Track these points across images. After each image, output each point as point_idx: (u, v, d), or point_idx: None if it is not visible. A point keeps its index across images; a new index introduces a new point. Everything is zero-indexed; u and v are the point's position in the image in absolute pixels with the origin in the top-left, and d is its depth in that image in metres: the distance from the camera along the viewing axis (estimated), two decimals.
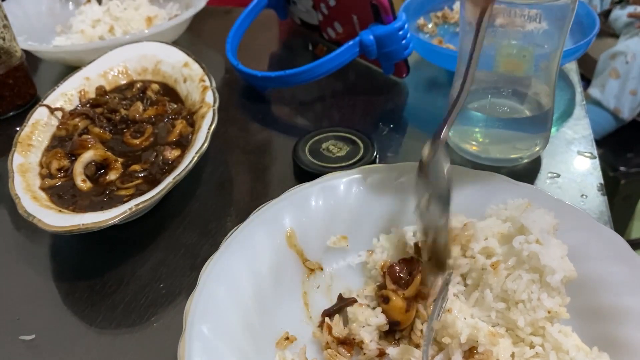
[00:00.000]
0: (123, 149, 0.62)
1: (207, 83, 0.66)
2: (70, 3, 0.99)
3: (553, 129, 0.68)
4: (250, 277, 0.45)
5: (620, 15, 1.83)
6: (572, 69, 0.80)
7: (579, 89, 0.77)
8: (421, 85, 0.80)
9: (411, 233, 0.50)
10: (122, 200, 0.54)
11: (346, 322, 0.45)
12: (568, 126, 0.69)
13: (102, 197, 0.55)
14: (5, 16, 0.75)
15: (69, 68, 0.79)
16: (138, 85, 0.71)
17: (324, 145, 0.64)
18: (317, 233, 0.51)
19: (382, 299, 0.44)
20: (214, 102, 0.62)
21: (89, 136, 0.61)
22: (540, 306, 0.40)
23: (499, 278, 0.42)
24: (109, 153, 0.59)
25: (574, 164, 0.63)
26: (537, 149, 0.62)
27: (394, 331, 0.44)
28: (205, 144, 0.57)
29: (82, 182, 0.56)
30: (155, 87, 0.71)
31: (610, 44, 1.80)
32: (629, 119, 1.73)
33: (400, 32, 0.72)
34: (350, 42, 0.72)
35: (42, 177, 0.58)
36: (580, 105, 0.73)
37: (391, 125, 0.72)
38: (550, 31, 0.54)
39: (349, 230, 0.52)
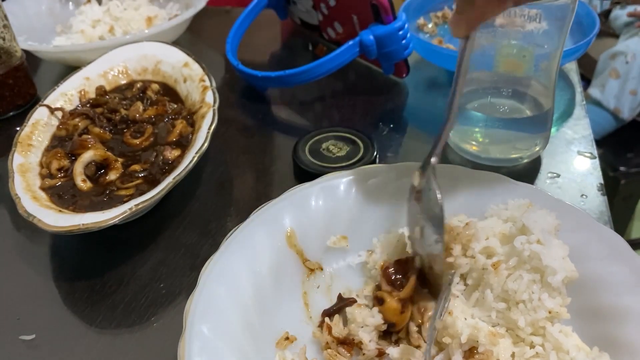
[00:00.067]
0: (123, 149, 0.62)
1: (207, 83, 0.66)
2: (70, 3, 0.99)
3: (553, 129, 0.68)
4: (250, 277, 0.45)
5: (620, 15, 1.83)
6: (572, 69, 0.80)
7: (579, 89, 0.77)
8: (421, 85, 0.80)
9: None
10: (122, 200, 0.54)
11: (346, 322, 0.45)
12: (568, 126, 0.69)
13: (102, 197, 0.55)
14: (5, 16, 0.75)
15: (69, 68, 0.79)
16: (138, 85, 0.71)
17: (324, 145, 0.64)
18: (317, 233, 0.50)
19: (377, 301, 0.44)
20: (214, 102, 0.62)
21: (89, 136, 0.61)
22: (541, 306, 0.40)
23: (500, 278, 0.42)
24: (109, 153, 0.59)
25: (574, 164, 0.63)
26: (537, 149, 0.62)
27: (391, 332, 0.44)
28: (205, 144, 0.57)
29: (82, 182, 0.56)
30: (155, 87, 0.71)
31: (610, 44, 1.80)
32: (629, 119, 1.73)
33: (400, 32, 0.72)
34: (350, 42, 0.72)
35: (42, 177, 0.58)
36: (580, 105, 0.73)
37: (391, 125, 0.72)
38: (550, 31, 0.54)
39: (349, 230, 0.52)
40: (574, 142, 0.66)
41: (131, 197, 0.54)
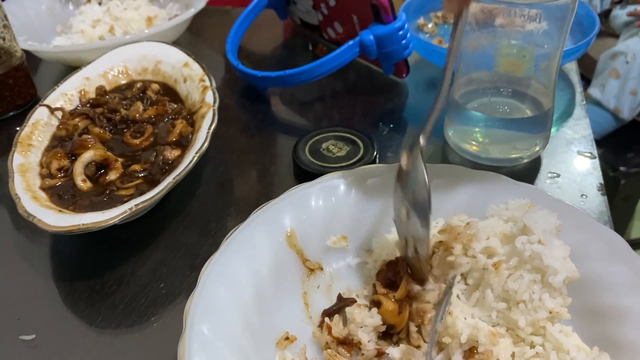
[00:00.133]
0: (123, 149, 0.62)
1: (207, 83, 0.66)
2: (70, 3, 0.99)
3: (553, 129, 0.68)
4: (250, 277, 0.45)
5: (620, 14, 1.82)
6: (572, 69, 0.80)
7: (579, 89, 0.77)
8: (421, 85, 0.80)
9: None
10: (122, 200, 0.54)
11: (346, 322, 0.46)
12: (568, 126, 0.69)
13: (102, 197, 0.55)
14: (5, 16, 0.75)
15: (69, 68, 0.79)
16: (138, 85, 0.71)
17: (324, 145, 0.64)
18: (317, 233, 0.50)
19: (374, 304, 0.44)
20: (214, 102, 0.62)
21: (89, 136, 0.61)
22: (541, 306, 0.40)
23: (500, 278, 0.42)
24: (109, 153, 0.59)
25: (574, 164, 0.63)
26: (537, 149, 0.62)
27: (391, 333, 0.44)
28: (205, 144, 0.57)
29: (82, 182, 0.56)
30: (155, 87, 0.71)
31: (610, 44, 1.80)
32: (629, 119, 1.73)
33: (400, 32, 0.72)
34: (350, 42, 0.72)
35: (42, 177, 0.58)
36: (580, 105, 0.73)
37: (391, 125, 0.72)
38: (550, 31, 0.54)
39: (349, 230, 0.52)
40: (574, 142, 0.66)
41: (131, 197, 0.54)
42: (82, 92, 0.69)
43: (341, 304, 0.47)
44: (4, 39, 0.74)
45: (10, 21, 0.76)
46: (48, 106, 0.65)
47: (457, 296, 0.43)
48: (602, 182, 0.60)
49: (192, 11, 0.87)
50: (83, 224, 0.48)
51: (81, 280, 0.53)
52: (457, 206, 0.50)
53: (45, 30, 0.94)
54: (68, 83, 0.69)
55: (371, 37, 0.72)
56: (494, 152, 0.61)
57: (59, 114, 0.66)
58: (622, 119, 1.72)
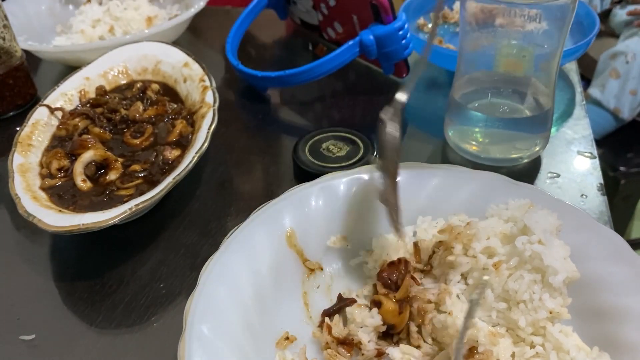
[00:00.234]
0: (123, 149, 0.62)
1: (207, 83, 0.66)
2: (70, 3, 0.99)
3: (553, 129, 0.68)
4: (250, 277, 0.45)
5: (620, 14, 1.82)
6: (572, 69, 0.80)
7: (579, 89, 0.77)
8: (421, 85, 0.80)
9: (411, 233, 0.50)
10: (122, 200, 0.54)
11: (346, 322, 0.46)
12: (568, 126, 0.69)
13: (102, 197, 0.55)
14: (5, 16, 0.75)
15: (69, 68, 0.79)
16: (138, 85, 0.71)
17: (324, 145, 0.64)
18: (317, 233, 0.50)
19: (375, 304, 0.44)
20: (214, 102, 0.62)
21: (89, 136, 0.61)
22: (541, 306, 0.40)
23: (501, 278, 0.42)
24: (109, 153, 0.59)
25: (574, 164, 0.63)
26: (537, 149, 0.62)
27: (392, 334, 0.44)
28: (205, 144, 0.57)
29: (82, 182, 0.56)
30: (155, 87, 0.71)
31: (610, 44, 1.80)
32: (629, 119, 1.73)
33: (400, 32, 0.72)
34: (350, 42, 0.72)
35: (42, 177, 0.58)
36: (580, 105, 0.73)
37: None
38: (550, 31, 0.54)
39: (349, 230, 0.52)
40: (574, 142, 0.66)
41: (131, 197, 0.54)
42: (82, 92, 0.69)
43: (341, 304, 0.47)
44: (4, 39, 0.74)
45: (10, 21, 0.76)
46: (48, 106, 0.65)
47: (457, 296, 0.43)
48: (602, 182, 0.60)
49: (192, 11, 0.87)
50: (83, 224, 0.48)
51: (81, 280, 0.53)
52: (457, 206, 0.50)
53: (45, 30, 0.94)
54: (68, 83, 0.69)
55: (371, 37, 0.72)
56: (494, 152, 0.61)
57: (59, 114, 0.66)
58: (622, 119, 1.72)
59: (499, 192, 0.50)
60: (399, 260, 0.46)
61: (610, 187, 1.66)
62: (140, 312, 0.49)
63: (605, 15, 1.88)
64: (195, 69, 0.69)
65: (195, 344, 0.38)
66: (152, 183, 0.56)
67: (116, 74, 0.73)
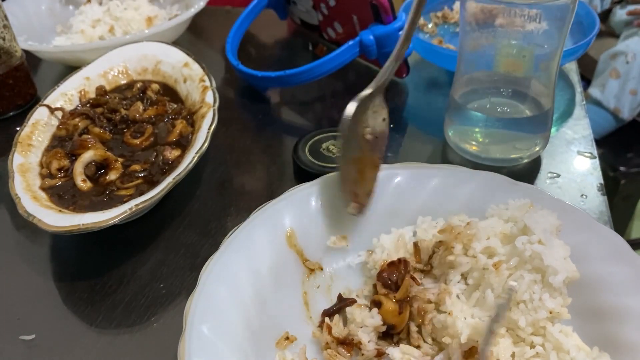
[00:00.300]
0: (123, 149, 0.62)
1: (207, 83, 0.66)
2: (70, 3, 0.99)
3: (553, 129, 0.68)
4: (250, 277, 0.45)
5: (620, 14, 1.83)
6: (572, 69, 0.80)
7: (579, 89, 0.77)
8: (421, 85, 0.80)
9: (411, 233, 0.50)
10: (122, 200, 0.54)
11: (346, 322, 0.45)
12: (568, 126, 0.69)
13: (102, 197, 0.55)
14: (5, 16, 0.75)
15: (69, 68, 0.79)
16: (138, 85, 0.71)
17: (324, 145, 0.64)
18: (317, 233, 0.50)
19: (375, 304, 0.44)
20: (214, 102, 0.62)
21: (89, 136, 0.61)
22: (541, 307, 0.40)
23: (501, 278, 0.42)
24: (109, 153, 0.59)
25: (574, 164, 0.63)
26: (537, 149, 0.62)
27: (392, 334, 0.44)
28: (205, 144, 0.57)
29: (82, 182, 0.56)
30: (155, 87, 0.71)
31: (610, 44, 1.80)
32: (629, 119, 1.73)
33: (400, 32, 0.72)
34: (350, 42, 0.72)
35: (42, 177, 0.58)
36: (580, 105, 0.73)
37: (391, 125, 0.71)
38: (550, 31, 0.54)
39: (349, 230, 0.52)
40: (574, 142, 0.66)
41: (131, 197, 0.54)
42: (82, 92, 0.69)
43: (341, 304, 0.47)
44: (4, 39, 0.74)
45: (10, 21, 0.76)
46: (48, 106, 0.65)
47: (457, 296, 0.43)
48: (602, 182, 0.60)
49: (192, 11, 0.87)
50: (83, 224, 0.48)
51: (81, 280, 0.53)
52: (457, 206, 0.50)
53: (45, 30, 0.94)
54: (68, 83, 0.69)
55: (371, 37, 0.72)
56: (494, 152, 0.61)
57: (59, 114, 0.66)
58: (622, 119, 1.72)
59: (499, 192, 0.50)
60: (399, 260, 0.46)
61: (610, 187, 1.66)
62: (140, 312, 0.49)
63: (605, 15, 1.88)
64: (195, 69, 0.69)
65: (195, 344, 0.38)
66: (152, 183, 0.56)
67: (116, 74, 0.73)
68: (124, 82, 0.73)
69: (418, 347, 0.43)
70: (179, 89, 0.70)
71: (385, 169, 0.53)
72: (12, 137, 0.61)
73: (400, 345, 0.43)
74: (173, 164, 0.58)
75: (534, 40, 0.55)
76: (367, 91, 0.51)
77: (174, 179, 0.53)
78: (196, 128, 0.61)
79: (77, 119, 0.65)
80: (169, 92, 0.70)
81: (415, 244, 0.48)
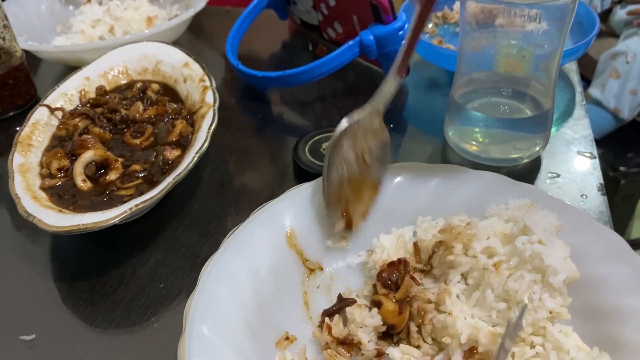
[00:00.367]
0: (123, 149, 0.62)
1: (207, 83, 0.66)
2: (70, 4, 0.99)
3: (553, 129, 0.68)
4: (250, 277, 0.45)
5: (620, 14, 1.83)
6: (572, 69, 0.80)
7: (579, 89, 0.77)
8: (421, 85, 0.80)
9: (411, 233, 0.50)
10: (122, 200, 0.54)
11: (346, 322, 0.45)
12: (568, 126, 0.69)
13: (102, 197, 0.55)
14: (5, 16, 0.75)
15: (69, 68, 0.79)
16: (138, 85, 0.71)
17: (324, 145, 0.64)
18: (317, 233, 0.50)
19: (375, 304, 0.44)
20: (214, 102, 0.62)
21: (89, 136, 0.61)
22: (542, 306, 0.40)
23: (501, 278, 0.42)
24: (109, 153, 0.59)
25: (574, 164, 0.63)
26: (537, 149, 0.62)
27: (392, 334, 0.44)
28: (205, 144, 0.57)
29: (82, 182, 0.56)
30: (155, 87, 0.71)
31: (610, 44, 1.80)
32: (629, 119, 1.73)
33: (400, 32, 0.72)
34: (350, 42, 0.72)
35: (42, 177, 0.58)
36: (580, 105, 0.73)
37: (391, 125, 0.71)
38: (550, 31, 0.54)
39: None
40: (574, 142, 0.66)
41: (131, 197, 0.54)
42: (82, 92, 0.69)
43: (341, 304, 0.47)
44: (4, 39, 0.74)
45: (10, 21, 0.76)
46: (48, 106, 0.65)
47: (457, 296, 0.43)
48: (602, 182, 0.60)
49: (192, 11, 0.87)
50: (83, 224, 0.48)
51: (81, 280, 0.53)
52: (457, 206, 0.50)
53: (45, 30, 0.94)
54: (68, 83, 0.69)
55: (371, 37, 0.72)
56: (494, 152, 0.61)
57: (59, 114, 0.66)
58: (622, 119, 1.72)
59: (499, 192, 0.50)
60: (399, 260, 0.46)
61: (610, 187, 1.66)
62: (140, 312, 0.49)
63: (605, 15, 1.88)
64: (195, 69, 0.69)
65: (195, 344, 0.38)
66: (152, 183, 0.56)
67: (116, 74, 0.73)
68: (124, 82, 0.73)
69: (418, 347, 0.43)
70: (179, 89, 0.70)
71: None
72: (12, 137, 0.61)
73: (400, 345, 0.43)
74: (173, 164, 0.58)
75: (534, 40, 0.55)
76: (363, 110, 0.50)
77: (174, 179, 0.53)
78: (196, 128, 0.61)
79: (77, 119, 0.65)
80: (169, 92, 0.70)
81: (415, 244, 0.48)
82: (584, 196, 0.58)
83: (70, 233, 0.49)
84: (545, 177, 0.61)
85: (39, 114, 0.64)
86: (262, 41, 0.95)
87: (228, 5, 1.08)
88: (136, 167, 0.58)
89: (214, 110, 0.61)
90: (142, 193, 0.54)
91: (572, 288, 0.42)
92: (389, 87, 0.51)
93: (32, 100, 0.80)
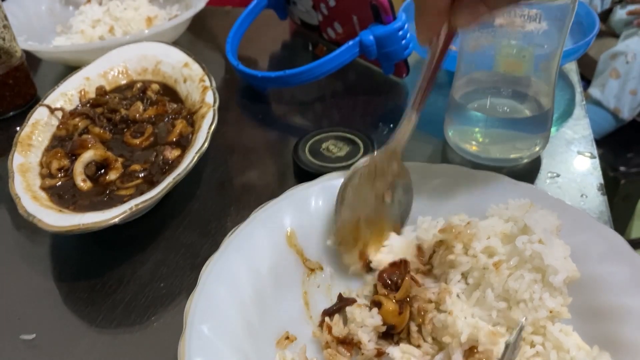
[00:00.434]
0: (123, 149, 0.62)
1: (207, 83, 0.66)
2: (70, 4, 0.99)
3: (553, 129, 0.68)
4: (250, 277, 0.45)
5: (620, 14, 1.83)
6: (572, 69, 0.80)
7: (579, 89, 0.77)
8: None
9: (413, 234, 0.50)
10: (122, 200, 0.54)
11: (346, 322, 0.45)
12: (568, 126, 0.69)
13: (102, 197, 0.55)
14: (5, 16, 0.75)
15: (69, 68, 0.79)
16: (138, 85, 0.71)
17: (324, 145, 0.64)
18: (317, 233, 0.50)
19: (375, 305, 0.44)
20: (214, 102, 0.62)
21: (89, 136, 0.61)
22: (542, 306, 0.40)
23: (501, 277, 0.42)
24: (109, 153, 0.59)
25: (574, 164, 0.63)
26: (537, 149, 0.62)
27: (392, 334, 0.44)
28: (205, 144, 0.57)
29: (82, 182, 0.56)
30: (155, 87, 0.71)
31: (610, 44, 1.81)
32: (629, 119, 1.73)
33: (400, 32, 0.72)
34: (350, 42, 0.72)
35: (43, 177, 0.58)
36: (580, 105, 0.73)
37: (391, 125, 0.72)
38: (550, 31, 0.54)
39: None
40: (574, 142, 0.66)
41: (131, 197, 0.54)
42: (82, 92, 0.69)
43: (341, 304, 0.47)
44: (4, 39, 0.74)
45: (10, 21, 0.76)
46: (48, 106, 0.65)
47: (457, 295, 0.43)
48: (602, 182, 0.60)
49: (192, 11, 0.87)
50: (83, 224, 0.48)
51: (81, 280, 0.53)
52: (457, 206, 0.50)
53: (45, 30, 0.94)
54: (68, 83, 0.69)
55: (371, 37, 0.72)
56: (494, 152, 0.61)
57: (59, 114, 0.66)
58: (622, 119, 1.72)
59: (499, 192, 0.50)
60: (400, 260, 0.46)
61: (610, 187, 1.66)
62: (140, 312, 0.49)
63: (605, 15, 1.88)
64: (195, 69, 0.69)
65: (195, 344, 0.38)
66: (152, 183, 0.56)
67: (116, 74, 0.73)
68: (124, 82, 0.73)
69: (418, 346, 0.43)
70: (179, 89, 0.70)
71: None
72: (12, 137, 0.61)
73: (401, 344, 0.43)
74: (173, 164, 0.58)
75: (534, 40, 0.55)
76: (380, 152, 0.49)
77: (174, 179, 0.53)
78: (196, 128, 0.61)
79: (77, 119, 0.65)
80: (169, 92, 0.70)
81: (419, 247, 0.48)
82: (584, 196, 0.58)
83: (70, 233, 0.49)
84: (545, 177, 0.61)
85: (39, 114, 0.64)
86: (262, 41, 0.95)
87: (228, 5, 1.08)
88: (136, 167, 0.58)
89: (214, 110, 0.61)
90: (142, 193, 0.54)
91: (572, 287, 0.42)
92: (405, 127, 0.49)
93: (32, 100, 0.80)
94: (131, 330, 0.48)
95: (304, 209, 0.51)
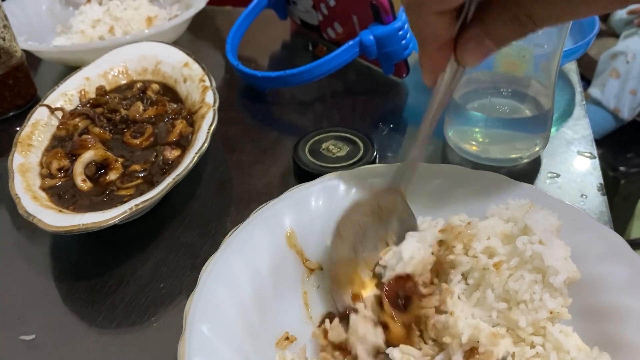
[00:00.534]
0: (123, 149, 0.62)
1: (207, 83, 0.66)
2: (70, 4, 0.99)
3: (553, 129, 0.68)
4: (250, 277, 0.45)
5: (621, 13, 1.83)
6: (572, 69, 0.80)
7: (579, 89, 0.77)
8: (421, 85, 0.79)
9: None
10: (122, 200, 0.54)
11: (347, 327, 0.45)
12: (568, 126, 0.69)
13: (102, 197, 0.55)
14: (5, 16, 0.75)
15: (69, 68, 0.79)
16: (138, 85, 0.71)
17: (324, 145, 0.64)
18: (317, 233, 0.50)
19: (381, 325, 0.43)
20: (214, 102, 0.62)
21: (89, 136, 0.61)
22: (542, 307, 0.40)
23: (501, 278, 0.42)
24: (109, 153, 0.59)
25: (574, 164, 0.63)
26: (537, 149, 0.62)
27: None
28: (205, 144, 0.57)
29: (82, 182, 0.56)
30: (155, 87, 0.71)
31: (610, 44, 1.81)
32: (629, 119, 1.73)
33: (400, 32, 0.72)
34: (350, 42, 0.72)
35: (43, 177, 0.58)
36: (580, 105, 0.73)
37: (391, 125, 0.72)
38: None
39: None
40: (574, 142, 0.66)
41: (131, 197, 0.54)
42: (82, 92, 0.69)
43: (346, 312, 0.44)
44: (4, 39, 0.74)
45: (10, 21, 0.76)
46: (48, 106, 0.65)
47: (458, 296, 0.43)
48: (602, 182, 0.60)
49: (192, 11, 0.87)
50: (83, 224, 0.49)
51: (81, 280, 0.53)
52: (457, 206, 0.50)
53: (45, 30, 0.95)
54: (68, 83, 0.69)
55: (371, 37, 0.72)
56: (494, 152, 0.61)
57: (59, 114, 0.66)
58: (622, 119, 1.73)
59: (499, 192, 0.50)
60: (409, 276, 0.44)
61: (610, 187, 1.66)
62: (140, 312, 0.49)
63: (605, 15, 1.88)
64: (195, 69, 0.69)
65: (195, 344, 0.38)
66: (152, 183, 0.56)
67: (116, 74, 0.73)
68: (124, 82, 0.73)
69: (418, 347, 0.42)
70: (179, 89, 0.70)
71: (385, 169, 0.53)
72: (12, 137, 0.61)
73: (400, 345, 0.42)
74: (173, 164, 0.58)
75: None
76: (381, 188, 0.47)
77: (174, 179, 0.53)
78: (196, 128, 0.61)
79: (77, 119, 0.65)
80: (169, 92, 0.70)
81: (439, 260, 0.45)
82: (584, 196, 0.58)
83: (70, 233, 0.49)
84: (545, 177, 0.61)
85: (39, 114, 0.64)
86: (262, 41, 0.95)
87: (228, 5, 1.08)
88: (136, 167, 0.58)
89: (214, 110, 0.61)
90: (142, 193, 0.54)
91: (572, 288, 0.42)
92: (412, 166, 0.47)
93: (32, 100, 0.80)
94: (131, 330, 0.48)
95: (304, 209, 0.51)
